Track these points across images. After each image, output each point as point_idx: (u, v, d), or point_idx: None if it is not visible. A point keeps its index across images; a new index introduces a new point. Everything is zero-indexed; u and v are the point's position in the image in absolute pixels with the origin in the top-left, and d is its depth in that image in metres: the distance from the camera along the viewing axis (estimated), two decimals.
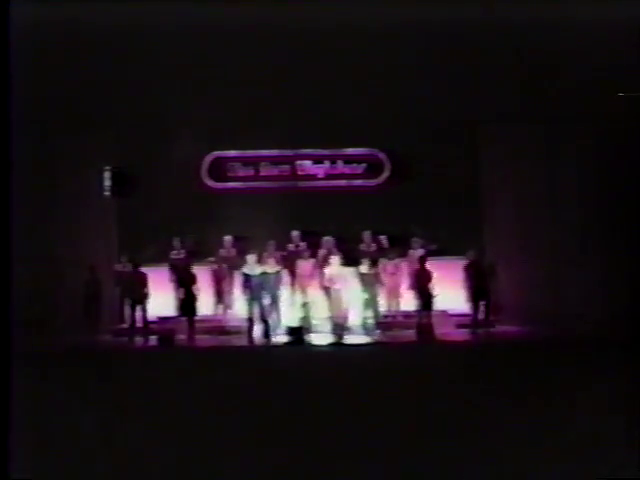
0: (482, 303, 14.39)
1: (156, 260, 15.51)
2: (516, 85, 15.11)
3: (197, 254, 15.71)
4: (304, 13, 13.92)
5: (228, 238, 15.70)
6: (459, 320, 14.94)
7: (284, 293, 14.86)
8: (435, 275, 14.39)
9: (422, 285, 14.35)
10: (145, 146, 16.11)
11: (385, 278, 14.85)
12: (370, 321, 14.46)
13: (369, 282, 14.40)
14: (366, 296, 14.39)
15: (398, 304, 15.18)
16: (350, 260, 14.72)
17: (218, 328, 15.22)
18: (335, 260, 14.36)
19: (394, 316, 15.14)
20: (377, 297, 14.55)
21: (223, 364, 11.18)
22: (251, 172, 16.77)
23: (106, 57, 15.19)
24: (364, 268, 14.44)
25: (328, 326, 14.36)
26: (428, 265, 14.53)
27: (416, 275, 14.52)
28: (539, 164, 15.91)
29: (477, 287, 14.32)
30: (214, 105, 15.78)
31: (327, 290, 14.32)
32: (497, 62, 15.05)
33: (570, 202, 15.73)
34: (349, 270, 14.54)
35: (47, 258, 15.31)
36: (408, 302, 14.84)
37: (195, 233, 15.82)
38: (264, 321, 14.25)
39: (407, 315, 14.96)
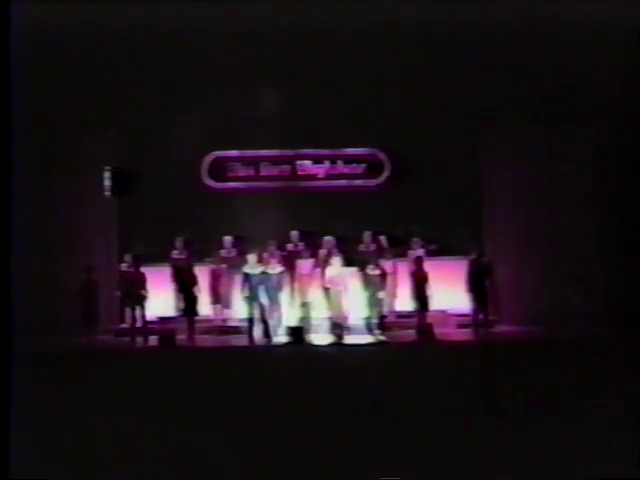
0: (482, 303, 14.43)
1: (152, 260, 15.47)
2: (516, 86, 15.10)
3: (196, 254, 15.69)
4: (304, 12, 13.91)
5: (228, 238, 15.70)
6: (459, 320, 14.96)
7: (284, 293, 14.86)
8: (431, 276, 14.39)
9: (419, 286, 14.39)
10: (145, 146, 16.10)
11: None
12: (373, 321, 14.45)
13: (373, 283, 14.38)
14: (369, 296, 14.38)
15: (395, 304, 15.16)
16: (350, 260, 14.72)
17: (218, 328, 15.25)
18: (336, 260, 14.36)
19: (393, 316, 15.13)
20: (380, 297, 14.53)
21: (223, 364, 11.18)
22: (251, 172, 16.74)
23: (106, 57, 15.19)
24: (369, 269, 14.41)
25: (328, 326, 14.36)
26: (425, 266, 14.56)
27: (413, 276, 14.56)
28: (539, 164, 15.90)
29: (477, 287, 14.36)
30: (214, 105, 15.79)
31: (327, 290, 14.33)
32: (497, 62, 15.03)
33: (570, 202, 15.72)
34: (349, 270, 14.54)
35: (47, 258, 15.29)
36: (405, 302, 14.84)
37: (195, 233, 15.79)
38: (264, 321, 14.26)
39: (404, 315, 14.96)
